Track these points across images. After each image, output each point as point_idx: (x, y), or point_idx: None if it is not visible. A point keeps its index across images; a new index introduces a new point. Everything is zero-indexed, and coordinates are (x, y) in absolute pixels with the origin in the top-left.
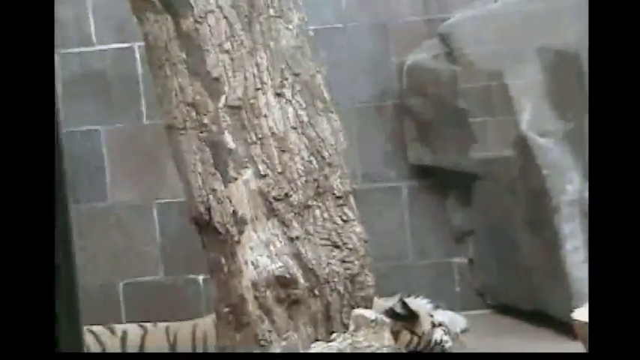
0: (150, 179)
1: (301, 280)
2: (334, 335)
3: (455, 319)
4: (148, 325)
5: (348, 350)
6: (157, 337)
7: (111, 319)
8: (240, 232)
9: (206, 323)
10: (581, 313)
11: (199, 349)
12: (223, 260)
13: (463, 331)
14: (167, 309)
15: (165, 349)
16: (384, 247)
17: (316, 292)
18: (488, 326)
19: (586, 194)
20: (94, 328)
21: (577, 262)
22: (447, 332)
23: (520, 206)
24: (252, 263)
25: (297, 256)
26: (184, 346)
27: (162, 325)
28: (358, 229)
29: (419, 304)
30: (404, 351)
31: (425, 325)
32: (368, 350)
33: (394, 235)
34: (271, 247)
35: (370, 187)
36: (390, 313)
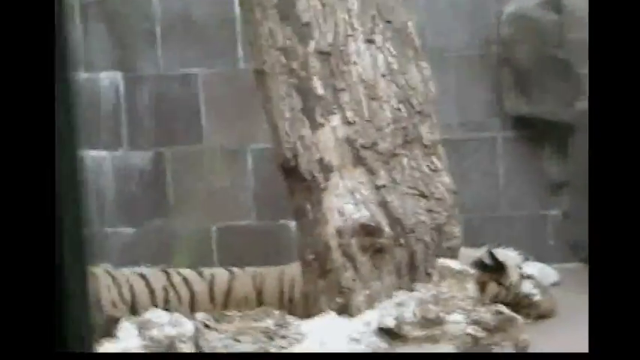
0: (245, 124)
1: (386, 229)
2: (419, 285)
3: (545, 272)
4: (236, 269)
5: (431, 300)
6: (244, 281)
7: (203, 263)
8: (327, 179)
9: (293, 269)
10: None
11: (286, 296)
12: (309, 207)
13: (554, 284)
14: (259, 254)
15: (252, 294)
16: (477, 198)
17: (401, 241)
18: (579, 280)
19: None
20: (184, 271)
21: None
22: (536, 285)
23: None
24: (338, 211)
25: (383, 204)
26: (271, 292)
27: (250, 270)
28: (446, 179)
29: (507, 255)
30: (485, 302)
31: (513, 276)
32: (451, 301)
33: (488, 186)
34: (357, 195)
35: (466, 137)
36: (478, 263)
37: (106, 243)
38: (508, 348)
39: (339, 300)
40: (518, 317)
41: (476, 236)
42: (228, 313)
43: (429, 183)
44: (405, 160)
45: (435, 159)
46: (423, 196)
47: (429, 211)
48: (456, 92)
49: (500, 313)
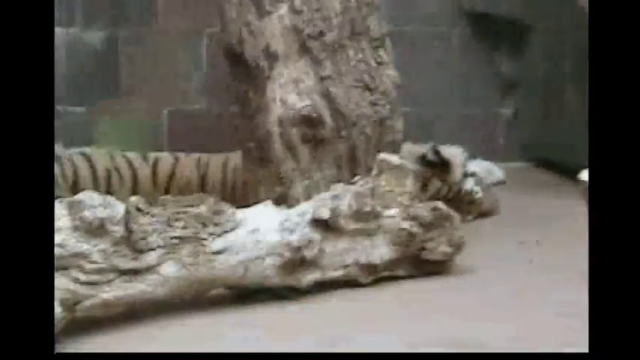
0: (201, 6)
1: (328, 120)
2: (357, 178)
3: (491, 170)
4: (181, 154)
5: (367, 194)
6: (188, 167)
7: (153, 147)
8: (271, 68)
9: (238, 157)
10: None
11: (229, 183)
12: (252, 95)
13: (499, 183)
14: (210, 140)
15: (195, 180)
16: (430, 93)
17: (343, 133)
18: (526, 180)
19: None
20: (129, 154)
21: None
22: (479, 183)
23: (568, 60)
24: (281, 100)
25: (327, 95)
26: (214, 178)
27: (194, 155)
28: (392, 72)
29: (452, 152)
30: (423, 198)
31: (456, 174)
32: (388, 195)
33: (441, 82)
34: (301, 85)
35: (421, 31)
36: (422, 159)
37: (56, 121)
38: (443, 244)
39: (277, 189)
40: (455, 214)
41: (426, 132)
42: (162, 198)
43: (375, 76)
44: (351, 52)
45: (381, 52)
46: (367, 88)
47: (373, 104)
48: None
49: (436, 209)
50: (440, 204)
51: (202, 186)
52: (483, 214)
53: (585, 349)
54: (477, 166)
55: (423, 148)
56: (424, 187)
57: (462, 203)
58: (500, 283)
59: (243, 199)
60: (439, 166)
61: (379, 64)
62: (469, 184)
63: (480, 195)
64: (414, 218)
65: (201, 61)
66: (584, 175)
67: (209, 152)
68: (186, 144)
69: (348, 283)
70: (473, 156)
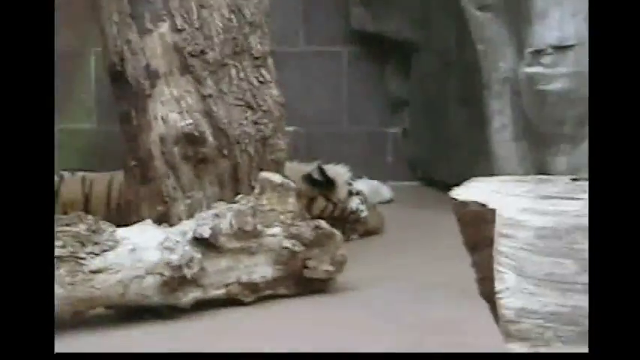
0: (89, 26)
1: (210, 139)
2: (239, 197)
3: (378, 189)
4: (66, 173)
5: (249, 212)
6: (73, 186)
7: None
8: (152, 86)
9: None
10: (463, 191)
11: (113, 202)
12: (133, 113)
13: (387, 202)
14: (100, 158)
15: (80, 199)
16: (319, 112)
17: (225, 152)
18: (414, 198)
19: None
20: None
21: (503, 139)
22: (364, 201)
23: (454, 80)
24: (162, 118)
25: (209, 114)
26: (99, 197)
27: (79, 174)
28: (274, 91)
29: (337, 171)
30: (308, 217)
31: (341, 192)
32: (270, 214)
33: (331, 100)
34: (182, 104)
35: (310, 50)
36: (307, 178)
37: None
38: (325, 263)
39: (159, 208)
40: (337, 232)
41: (315, 151)
42: None
43: (257, 95)
44: (233, 71)
45: (264, 71)
46: (249, 107)
47: (255, 123)
48: (302, 5)
49: (319, 228)
50: (322, 223)
51: (86, 205)
52: (369, 233)
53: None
54: (364, 184)
55: (309, 167)
56: (310, 205)
57: (348, 222)
58: (380, 300)
59: (126, 218)
60: (324, 185)
61: (261, 83)
62: (354, 203)
63: (365, 214)
64: (296, 237)
65: (90, 80)
66: (455, 192)
67: (99, 171)
68: (76, 162)
69: (230, 302)
70: (359, 175)
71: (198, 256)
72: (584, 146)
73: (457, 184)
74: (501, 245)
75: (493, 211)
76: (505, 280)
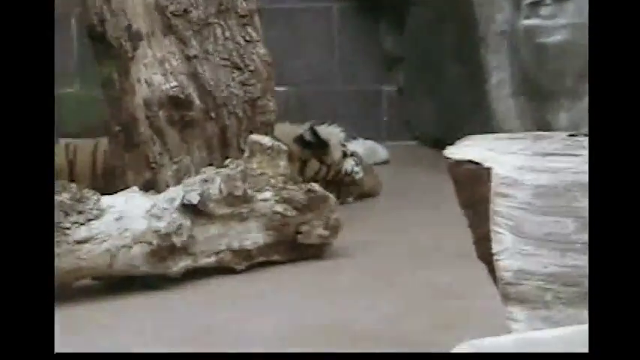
0: None
1: (197, 102)
2: (228, 161)
3: (374, 150)
4: None
5: (239, 177)
6: (57, 153)
7: None
8: (135, 48)
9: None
10: (457, 150)
11: (99, 169)
12: (116, 76)
13: (383, 162)
14: (84, 123)
15: (64, 167)
16: (310, 71)
17: (212, 114)
18: (410, 158)
19: (516, 23)
20: None
21: (501, 95)
22: (359, 162)
23: (449, 35)
24: (146, 81)
25: (194, 76)
26: (83, 165)
27: (62, 141)
28: (262, 50)
29: (331, 132)
30: (299, 179)
31: (335, 154)
32: (261, 178)
33: (322, 59)
34: (167, 66)
35: (300, 6)
36: (299, 140)
37: None
38: (319, 228)
39: (146, 174)
40: (331, 196)
41: (307, 111)
42: None
43: (244, 54)
44: (218, 30)
45: (250, 29)
46: (236, 67)
47: (243, 83)
48: None
49: (312, 191)
50: (315, 186)
51: (71, 173)
52: (365, 195)
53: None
54: (359, 145)
55: (301, 129)
56: (302, 168)
57: (342, 184)
58: (376, 265)
59: (112, 186)
60: (317, 146)
61: (248, 42)
62: (349, 165)
63: (360, 175)
64: (288, 201)
65: (71, 42)
66: (449, 151)
67: (83, 137)
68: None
69: (222, 270)
70: (353, 136)
71: (187, 223)
72: (585, 101)
73: (452, 142)
74: (498, 205)
75: (488, 169)
76: (502, 240)
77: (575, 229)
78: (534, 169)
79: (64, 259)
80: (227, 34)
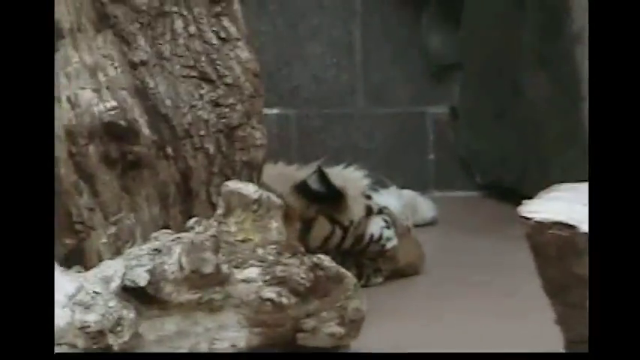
0: None
1: (145, 131)
2: (192, 221)
3: (415, 204)
4: None
5: (209, 245)
6: None
7: None
8: (55, 49)
9: None
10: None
11: None
12: None
13: (427, 224)
14: None
15: None
16: (319, 84)
17: (169, 151)
18: (470, 216)
19: None
20: None
21: None
22: (391, 224)
23: (529, 31)
24: (69, 99)
25: (142, 92)
26: None
27: None
28: (245, 53)
29: (349, 177)
30: (301, 249)
31: (355, 210)
32: (243, 247)
33: (339, 65)
34: (100, 76)
35: None
36: (302, 189)
37: None
38: (330, 322)
39: (68, 242)
40: (349, 274)
41: (313, 145)
42: None
43: (217, 60)
44: (178, 23)
45: (227, 22)
46: (206, 80)
47: (216, 104)
48: None
49: (320, 267)
50: (326, 259)
51: None
52: (401, 274)
53: None
54: (392, 197)
55: (304, 172)
56: (306, 232)
57: (366, 257)
58: None
59: None
60: (328, 199)
61: (223, 40)
62: (376, 227)
63: (393, 243)
64: (283, 282)
65: None
66: (527, 208)
67: None
68: None
69: None
70: (383, 182)
71: (131, 315)
72: None
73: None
74: None
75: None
76: None
77: None
78: None
79: None
80: (192, 28)
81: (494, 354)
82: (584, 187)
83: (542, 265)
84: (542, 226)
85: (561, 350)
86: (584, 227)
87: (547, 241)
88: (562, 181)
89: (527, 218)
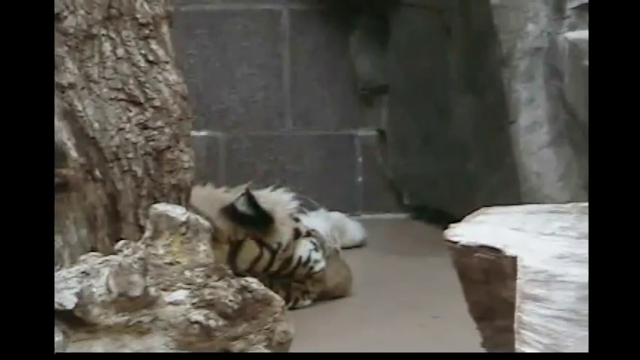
0: None
1: (73, 154)
2: (120, 244)
3: (343, 226)
4: None
5: (136, 268)
6: None
7: None
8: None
9: None
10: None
11: None
12: None
13: (355, 246)
14: None
15: None
16: (248, 107)
17: (97, 173)
18: (397, 238)
19: (557, 37)
20: None
21: (534, 144)
22: (319, 246)
23: (457, 53)
24: None
25: (70, 114)
26: None
27: None
28: (173, 76)
29: (276, 199)
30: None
31: (283, 233)
32: (171, 269)
33: (266, 87)
34: None
35: (232, 9)
36: (230, 212)
37: None
38: (258, 344)
39: None
40: (276, 297)
41: (242, 168)
42: None
43: (145, 82)
44: (107, 46)
45: (155, 45)
46: (134, 102)
47: (144, 126)
48: None
49: (247, 290)
50: (254, 281)
51: None
52: (329, 296)
53: None
54: (320, 220)
55: (232, 195)
56: (234, 255)
57: (294, 279)
58: None
59: None
60: (256, 221)
61: (152, 63)
62: (304, 250)
63: (321, 266)
64: (211, 305)
65: None
66: (453, 231)
67: None
68: None
69: None
70: (312, 205)
71: (58, 338)
72: None
73: (461, 217)
74: (527, 314)
75: (514, 259)
76: None
77: None
78: (582, 259)
79: None
80: (120, 51)
81: (494, 354)
82: (510, 211)
83: (469, 288)
84: (468, 250)
85: None
86: (510, 251)
87: (473, 264)
88: (489, 205)
89: (454, 242)
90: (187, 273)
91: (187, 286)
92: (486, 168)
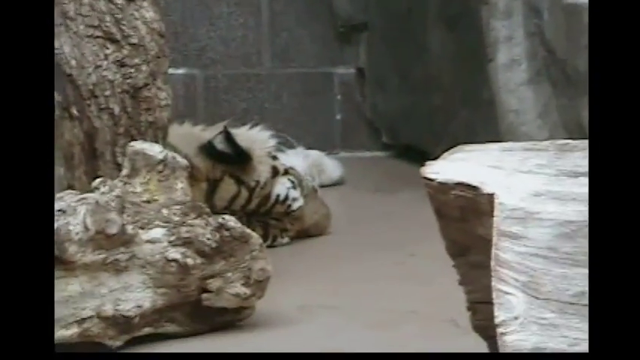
0: None
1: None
2: (97, 182)
3: (321, 164)
4: None
5: (113, 206)
6: None
7: None
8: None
9: None
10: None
11: None
12: None
13: (334, 184)
14: None
15: None
16: (227, 44)
17: (74, 111)
18: (376, 176)
19: None
20: None
21: (512, 82)
22: (297, 184)
23: None
24: None
25: None
26: None
27: None
28: (150, 13)
29: (255, 138)
30: (206, 210)
31: (261, 171)
32: (148, 207)
33: (245, 24)
34: None
35: None
36: (207, 150)
37: None
38: (236, 283)
39: None
40: (254, 235)
41: (220, 106)
42: None
43: (122, 19)
44: None
45: None
46: (110, 40)
47: (121, 64)
48: None
49: (225, 228)
50: (231, 220)
51: None
52: (306, 234)
53: None
54: (298, 158)
55: (210, 133)
56: (212, 193)
57: (273, 217)
58: (320, 341)
59: None
60: (234, 159)
61: (128, 0)
62: (282, 188)
63: (299, 204)
64: (188, 243)
65: None
66: (430, 168)
67: None
68: None
69: (87, 347)
70: (290, 143)
71: None
72: None
73: (439, 155)
74: (504, 251)
75: (491, 196)
76: (511, 305)
77: None
78: (559, 196)
79: None
80: None
81: (494, 354)
82: (487, 148)
83: (445, 226)
84: (445, 187)
85: (464, 310)
86: (487, 188)
87: (450, 202)
88: (466, 142)
89: (431, 179)
90: (165, 211)
91: (165, 224)
92: (465, 106)
